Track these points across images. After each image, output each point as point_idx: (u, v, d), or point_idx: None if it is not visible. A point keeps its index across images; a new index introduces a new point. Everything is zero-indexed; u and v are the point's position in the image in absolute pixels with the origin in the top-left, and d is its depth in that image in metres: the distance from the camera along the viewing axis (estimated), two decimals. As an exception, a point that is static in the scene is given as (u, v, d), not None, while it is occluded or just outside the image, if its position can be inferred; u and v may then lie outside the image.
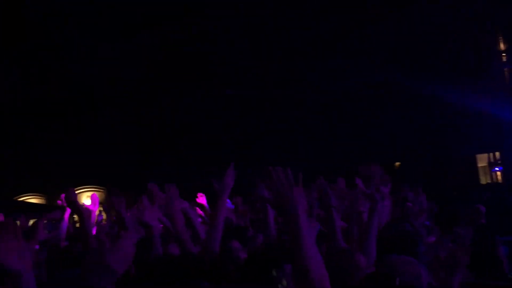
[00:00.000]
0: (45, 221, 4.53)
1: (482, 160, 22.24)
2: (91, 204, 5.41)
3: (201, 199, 5.38)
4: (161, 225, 3.83)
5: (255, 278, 2.30)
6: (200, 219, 4.50)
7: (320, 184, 4.13)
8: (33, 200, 23.03)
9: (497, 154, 21.67)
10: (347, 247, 3.37)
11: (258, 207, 4.86)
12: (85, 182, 23.91)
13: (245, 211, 5.24)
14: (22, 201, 20.78)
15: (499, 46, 19.93)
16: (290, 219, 1.83)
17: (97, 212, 5.50)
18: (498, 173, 21.69)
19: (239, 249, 3.37)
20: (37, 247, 4.02)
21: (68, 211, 4.94)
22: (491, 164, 21.99)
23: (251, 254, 3.04)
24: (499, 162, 21.65)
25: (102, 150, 21.41)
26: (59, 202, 5.00)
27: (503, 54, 20.11)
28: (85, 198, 12.33)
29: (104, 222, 7.14)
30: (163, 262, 2.55)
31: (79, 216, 3.43)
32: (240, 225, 4.46)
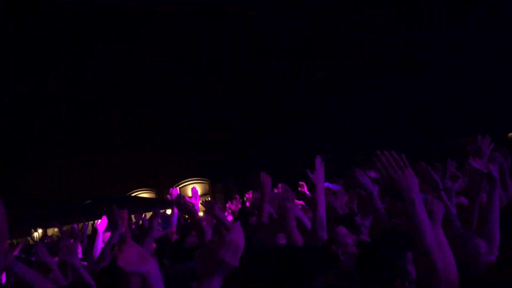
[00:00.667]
0: (159, 221, 4.73)
1: None
2: (192, 197, 5.63)
3: (303, 188, 5.37)
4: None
5: (370, 268, 2.19)
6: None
7: (422, 168, 3.95)
8: (145, 194, 24.61)
9: None
10: (465, 232, 3.14)
11: (356, 193, 4.70)
12: (191, 174, 25.14)
13: (351, 197, 5.10)
14: (135, 196, 22.23)
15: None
16: (406, 202, 1.79)
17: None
18: None
19: (346, 235, 3.27)
20: (154, 245, 4.21)
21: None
22: None
23: (361, 241, 2.93)
24: None
25: (207, 144, 22.21)
26: (168, 196, 5.23)
27: None
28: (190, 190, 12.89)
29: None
30: (272, 252, 2.53)
31: (188, 214, 3.57)
32: (346, 212, 4.34)
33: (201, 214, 7.09)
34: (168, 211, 12.25)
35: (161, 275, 1.70)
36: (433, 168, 4.07)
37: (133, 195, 22.42)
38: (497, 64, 18.10)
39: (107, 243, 3.87)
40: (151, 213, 4.17)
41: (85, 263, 4.28)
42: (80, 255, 5.06)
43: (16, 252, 6.57)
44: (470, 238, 2.66)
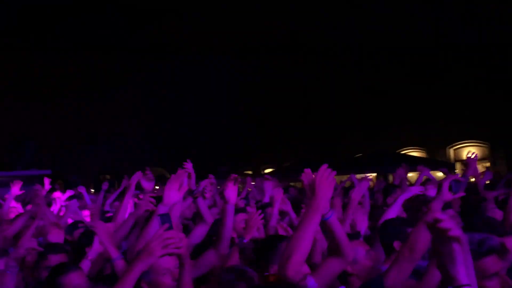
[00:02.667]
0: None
1: None
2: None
3: None
4: None
5: None
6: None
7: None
8: (414, 153, 23.97)
9: None
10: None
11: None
12: (468, 136, 23.20)
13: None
14: (404, 154, 21.87)
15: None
16: None
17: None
18: None
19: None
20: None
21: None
22: None
23: None
24: None
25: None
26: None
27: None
28: (465, 153, 11.79)
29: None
30: None
31: None
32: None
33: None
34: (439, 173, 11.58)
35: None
36: None
37: (402, 153, 22.07)
38: None
39: None
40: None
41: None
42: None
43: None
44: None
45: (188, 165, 3.71)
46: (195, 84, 23.45)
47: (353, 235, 3.58)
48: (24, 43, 21.58)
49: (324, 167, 2.21)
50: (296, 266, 2.09)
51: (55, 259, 3.19)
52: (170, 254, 2.01)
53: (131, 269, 1.92)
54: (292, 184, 13.17)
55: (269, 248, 2.97)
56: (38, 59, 22.08)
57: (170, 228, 2.03)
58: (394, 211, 3.86)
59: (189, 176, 3.70)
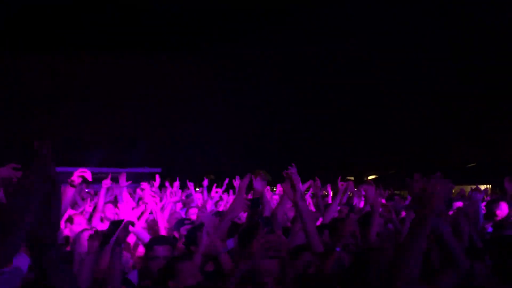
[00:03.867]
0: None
1: None
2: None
3: None
4: None
5: None
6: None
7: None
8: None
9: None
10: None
11: None
12: None
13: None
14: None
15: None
16: None
17: None
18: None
19: None
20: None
21: None
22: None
23: None
24: None
25: None
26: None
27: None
28: None
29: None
30: None
31: None
32: None
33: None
34: None
35: None
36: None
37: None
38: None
39: None
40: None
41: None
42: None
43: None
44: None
45: (293, 170, 3.70)
46: (299, 87, 23.49)
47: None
48: (139, 47, 23.04)
49: (437, 175, 2.11)
50: (408, 280, 1.99)
51: (161, 250, 3.37)
52: (271, 257, 2.03)
53: (236, 268, 1.98)
54: (396, 192, 12.70)
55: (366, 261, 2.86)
56: (151, 63, 23.52)
57: (271, 231, 2.05)
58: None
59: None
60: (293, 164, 3.65)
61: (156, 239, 3.65)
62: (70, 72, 22.65)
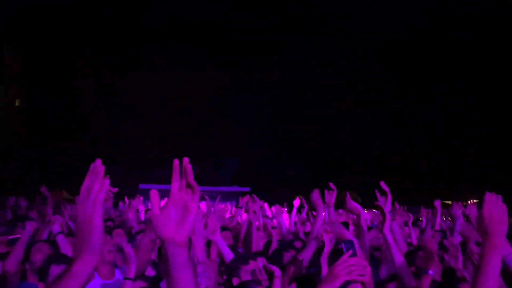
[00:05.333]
0: None
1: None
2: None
3: None
4: None
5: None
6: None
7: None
8: None
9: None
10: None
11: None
12: None
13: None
14: None
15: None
16: None
17: None
18: None
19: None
20: None
21: None
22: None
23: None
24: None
25: None
26: None
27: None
28: None
29: None
30: None
31: None
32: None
33: None
34: None
35: None
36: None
37: None
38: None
39: None
40: None
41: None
42: None
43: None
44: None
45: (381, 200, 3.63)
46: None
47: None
48: (222, 64, 23.71)
49: (490, 194, 1.90)
50: None
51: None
52: (354, 281, 2.00)
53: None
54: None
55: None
56: (239, 81, 24.11)
57: (354, 254, 2.01)
58: None
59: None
60: (385, 196, 3.55)
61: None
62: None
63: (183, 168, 1.27)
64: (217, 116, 23.93)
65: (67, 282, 1.35)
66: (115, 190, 3.26)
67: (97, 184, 1.38)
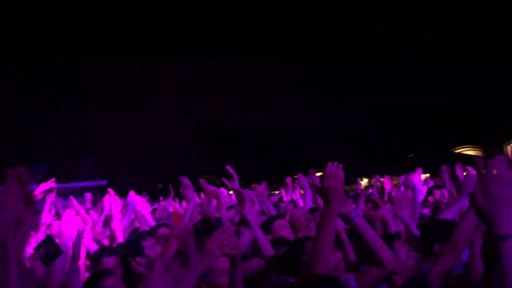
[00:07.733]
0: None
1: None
2: None
3: None
4: None
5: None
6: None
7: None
8: (469, 152, 23.09)
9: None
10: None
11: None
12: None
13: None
14: (458, 153, 21.14)
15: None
16: None
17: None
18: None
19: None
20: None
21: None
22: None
23: None
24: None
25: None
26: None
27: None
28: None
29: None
30: None
31: None
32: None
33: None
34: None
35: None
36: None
37: (456, 151, 21.34)
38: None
39: None
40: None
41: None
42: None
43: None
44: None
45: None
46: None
47: (395, 235, 3.49)
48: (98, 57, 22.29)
49: (331, 165, 2.17)
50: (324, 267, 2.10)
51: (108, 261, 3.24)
52: (226, 255, 2.05)
53: (194, 269, 1.98)
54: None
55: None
56: (99, 72, 22.89)
57: (223, 231, 2.08)
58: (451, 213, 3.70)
59: None
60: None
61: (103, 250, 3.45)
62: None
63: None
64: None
65: None
66: None
67: None
